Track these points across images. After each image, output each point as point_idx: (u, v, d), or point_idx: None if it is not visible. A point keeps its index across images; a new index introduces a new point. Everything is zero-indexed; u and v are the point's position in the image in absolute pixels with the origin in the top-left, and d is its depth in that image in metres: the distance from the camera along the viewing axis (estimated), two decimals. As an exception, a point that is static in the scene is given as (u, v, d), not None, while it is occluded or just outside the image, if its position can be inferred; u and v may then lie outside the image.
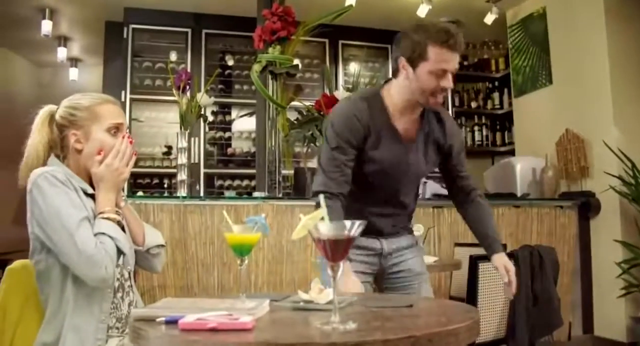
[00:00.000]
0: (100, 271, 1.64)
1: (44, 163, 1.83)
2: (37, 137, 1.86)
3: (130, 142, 1.85)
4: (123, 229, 1.80)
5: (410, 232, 2.38)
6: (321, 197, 1.30)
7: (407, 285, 2.27)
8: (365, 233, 2.05)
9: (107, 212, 1.75)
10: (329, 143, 2.11)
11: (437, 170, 2.37)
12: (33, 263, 1.76)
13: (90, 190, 1.81)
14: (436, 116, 2.24)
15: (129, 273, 1.87)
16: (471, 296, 2.74)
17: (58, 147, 1.86)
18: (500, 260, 2.22)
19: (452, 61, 2.00)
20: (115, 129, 1.84)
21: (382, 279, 2.31)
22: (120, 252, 1.73)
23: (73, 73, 7.70)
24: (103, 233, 1.69)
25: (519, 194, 4.85)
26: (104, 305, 1.74)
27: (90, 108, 1.83)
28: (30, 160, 1.83)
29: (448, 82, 2.01)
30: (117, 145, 1.81)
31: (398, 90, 2.12)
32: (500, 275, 2.22)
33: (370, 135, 2.10)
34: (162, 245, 2.03)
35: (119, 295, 1.80)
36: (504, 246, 3.67)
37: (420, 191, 2.58)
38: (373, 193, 2.20)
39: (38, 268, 1.75)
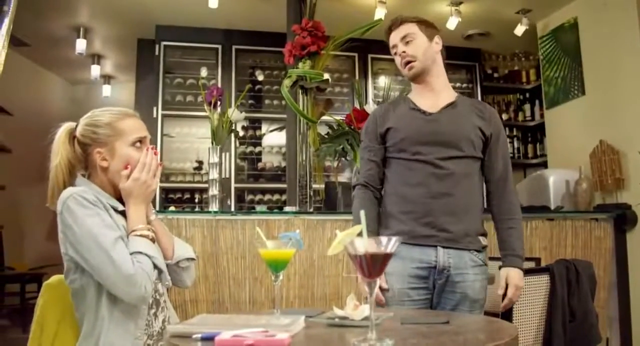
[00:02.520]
0: (140, 291, 1.64)
1: (70, 183, 1.82)
2: (58, 157, 1.84)
3: (155, 154, 1.85)
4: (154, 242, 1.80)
5: (480, 247, 2.22)
6: (362, 214, 1.30)
7: (454, 309, 2.14)
8: (423, 234, 2.09)
9: (140, 230, 1.75)
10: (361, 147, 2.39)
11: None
12: (68, 282, 1.76)
13: (120, 207, 1.81)
14: (475, 105, 2.34)
15: (166, 289, 1.87)
16: (506, 312, 2.69)
17: (82, 166, 1.86)
18: (507, 272, 2.21)
19: (393, 37, 2.32)
20: (139, 142, 1.84)
21: (434, 297, 2.19)
22: (157, 269, 1.73)
23: (106, 90, 7.83)
24: (140, 252, 1.69)
25: (552, 207, 4.78)
26: (139, 321, 1.73)
27: (111, 124, 1.82)
28: (56, 182, 1.82)
29: (397, 51, 2.31)
30: (142, 158, 1.81)
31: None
32: (500, 285, 2.20)
33: (389, 116, 2.30)
34: (192, 259, 2.00)
35: (152, 311, 1.78)
36: (537, 260, 3.65)
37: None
38: (419, 169, 2.18)
39: (73, 287, 1.76)
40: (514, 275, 2.19)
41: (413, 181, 2.19)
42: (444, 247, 2.14)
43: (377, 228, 2.22)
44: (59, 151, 1.84)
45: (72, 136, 1.87)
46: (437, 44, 2.30)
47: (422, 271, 2.13)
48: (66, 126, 1.89)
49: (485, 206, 2.38)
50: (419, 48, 2.26)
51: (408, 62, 2.27)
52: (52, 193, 1.81)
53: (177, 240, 1.99)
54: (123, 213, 1.81)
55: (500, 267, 2.24)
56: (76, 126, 1.87)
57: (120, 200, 1.83)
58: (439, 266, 2.13)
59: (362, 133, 2.40)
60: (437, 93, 2.28)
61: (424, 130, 2.21)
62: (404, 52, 2.26)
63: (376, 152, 2.30)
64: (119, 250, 1.65)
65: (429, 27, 2.31)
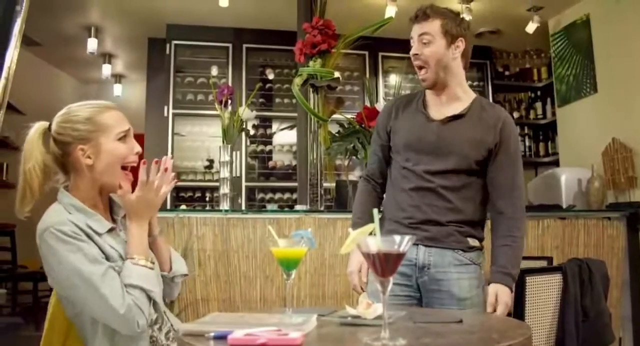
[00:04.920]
0: (132, 326, 1.55)
1: (45, 187, 1.69)
2: (32, 160, 1.67)
3: (166, 170, 1.70)
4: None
5: (466, 247, 2.15)
6: (375, 211, 1.29)
7: (442, 308, 2.10)
8: (404, 232, 2.04)
9: (139, 259, 1.64)
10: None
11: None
12: (62, 306, 1.68)
13: (104, 228, 1.67)
14: (488, 112, 2.20)
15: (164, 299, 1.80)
16: (518, 311, 2.67)
17: (60, 168, 1.72)
18: (496, 289, 2.06)
19: (415, 30, 2.20)
20: (124, 136, 1.72)
21: (422, 296, 2.18)
22: (151, 299, 1.63)
23: (117, 89, 7.88)
24: (134, 286, 1.58)
25: (564, 206, 4.75)
26: (141, 343, 1.64)
27: (92, 119, 1.69)
28: (29, 187, 1.66)
29: (412, 48, 2.20)
30: (142, 174, 1.66)
31: None
32: (489, 302, 2.07)
33: (398, 114, 2.27)
34: (186, 275, 1.91)
35: (157, 326, 1.71)
36: (549, 259, 3.63)
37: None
38: (409, 178, 2.17)
39: (67, 314, 1.68)
40: (502, 293, 2.06)
41: (402, 188, 2.19)
42: (425, 246, 2.12)
43: (369, 221, 2.19)
44: (32, 153, 1.68)
45: (47, 136, 1.71)
46: (458, 47, 2.16)
47: (405, 268, 2.13)
48: (38, 125, 1.72)
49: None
50: (434, 54, 2.15)
51: (420, 67, 2.19)
52: (23, 200, 1.67)
53: (173, 253, 1.90)
54: (112, 230, 1.70)
55: (488, 283, 2.14)
56: (50, 124, 1.72)
57: (107, 203, 1.75)
58: (419, 264, 2.12)
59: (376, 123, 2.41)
60: (449, 101, 2.20)
61: (419, 138, 2.16)
62: (416, 54, 2.18)
63: (382, 147, 2.30)
64: (107, 286, 1.54)
65: (456, 26, 2.16)
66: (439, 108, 2.20)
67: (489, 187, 2.18)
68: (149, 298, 1.61)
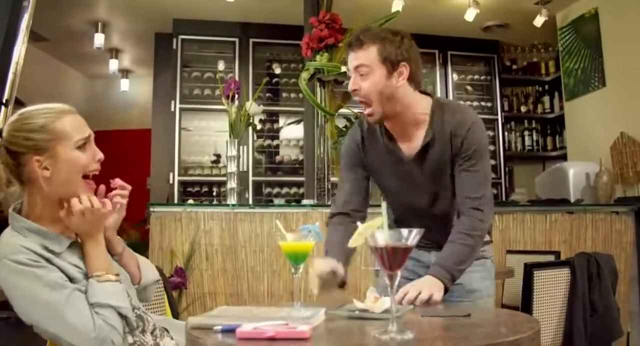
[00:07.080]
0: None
1: None
2: None
3: (103, 203, 1.58)
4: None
5: None
6: (383, 205, 1.29)
7: (458, 301, 2.02)
8: (419, 245, 1.98)
9: (102, 274, 1.53)
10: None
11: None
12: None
13: (63, 246, 1.54)
14: (451, 126, 1.97)
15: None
16: (526, 305, 2.67)
17: (15, 178, 1.58)
18: (419, 282, 1.82)
19: (351, 59, 1.92)
20: (84, 143, 1.57)
21: None
22: (123, 315, 1.53)
23: (124, 84, 7.88)
24: (102, 305, 1.48)
25: (572, 200, 4.74)
26: None
27: (47, 127, 1.53)
28: None
29: (350, 83, 1.94)
30: (81, 202, 1.53)
31: None
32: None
33: (365, 147, 2.07)
34: (158, 280, 1.84)
35: (138, 330, 1.61)
36: (557, 254, 3.62)
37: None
38: (404, 207, 2.10)
39: (44, 337, 1.58)
40: (423, 280, 1.83)
41: (399, 216, 2.14)
42: (437, 250, 2.02)
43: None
44: None
45: None
46: (402, 74, 1.90)
47: (417, 268, 2.09)
48: None
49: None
50: (374, 87, 1.89)
51: (363, 103, 1.93)
52: None
53: (142, 261, 1.80)
54: (73, 245, 1.57)
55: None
56: (0, 131, 1.58)
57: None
58: (431, 264, 2.02)
59: (342, 153, 2.16)
60: (409, 127, 1.99)
61: (402, 183, 2.05)
62: (354, 90, 1.91)
63: (358, 180, 2.10)
64: (73, 312, 1.45)
65: (396, 49, 1.89)
66: (404, 141, 2.01)
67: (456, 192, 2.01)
68: (120, 314, 1.51)
